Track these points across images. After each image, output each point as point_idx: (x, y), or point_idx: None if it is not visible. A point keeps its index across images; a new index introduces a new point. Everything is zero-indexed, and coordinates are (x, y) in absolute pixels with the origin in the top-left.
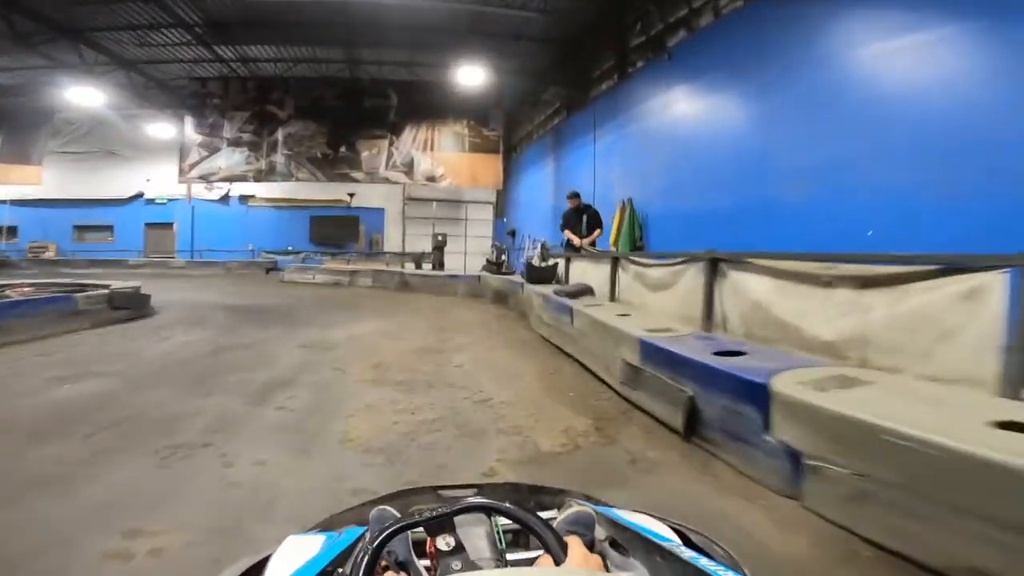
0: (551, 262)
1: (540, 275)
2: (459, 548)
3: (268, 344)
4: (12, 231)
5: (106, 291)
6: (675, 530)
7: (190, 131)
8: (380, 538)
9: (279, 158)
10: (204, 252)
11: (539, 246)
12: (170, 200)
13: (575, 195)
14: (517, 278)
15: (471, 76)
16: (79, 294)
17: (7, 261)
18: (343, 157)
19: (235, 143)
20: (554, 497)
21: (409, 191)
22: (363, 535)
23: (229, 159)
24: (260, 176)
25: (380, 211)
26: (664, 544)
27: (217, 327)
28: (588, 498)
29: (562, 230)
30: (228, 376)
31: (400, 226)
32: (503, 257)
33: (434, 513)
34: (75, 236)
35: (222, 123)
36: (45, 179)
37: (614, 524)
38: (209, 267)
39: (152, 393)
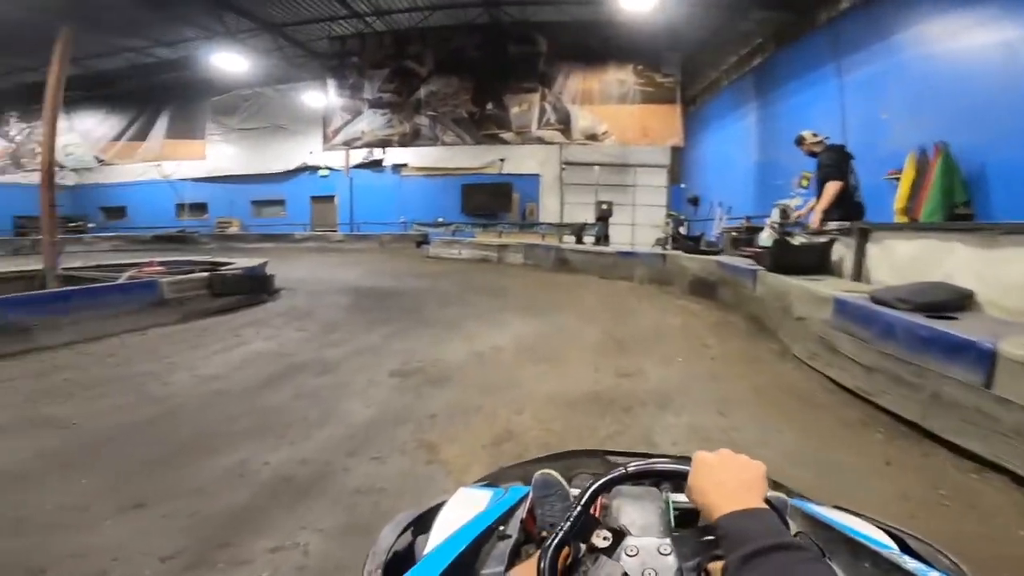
0: (822, 238)
1: (797, 258)
2: (619, 536)
3: (355, 365)
4: (203, 208)
5: (204, 275)
6: (890, 534)
7: (332, 94)
8: (584, 500)
9: (423, 120)
10: (362, 225)
11: (778, 211)
12: (331, 171)
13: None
14: (734, 260)
15: (639, 4)
16: (165, 279)
17: (190, 237)
18: (490, 115)
19: (376, 104)
20: None
21: (566, 153)
22: (526, 496)
23: (371, 122)
24: (405, 140)
25: (534, 177)
26: (878, 550)
27: (319, 325)
28: (778, 485)
29: (826, 182)
30: (227, 453)
31: (557, 194)
32: (680, 229)
33: (599, 483)
34: (253, 211)
35: (362, 83)
36: (226, 156)
37: (811, 519)
38: (364, 240)
39: (55, 485)
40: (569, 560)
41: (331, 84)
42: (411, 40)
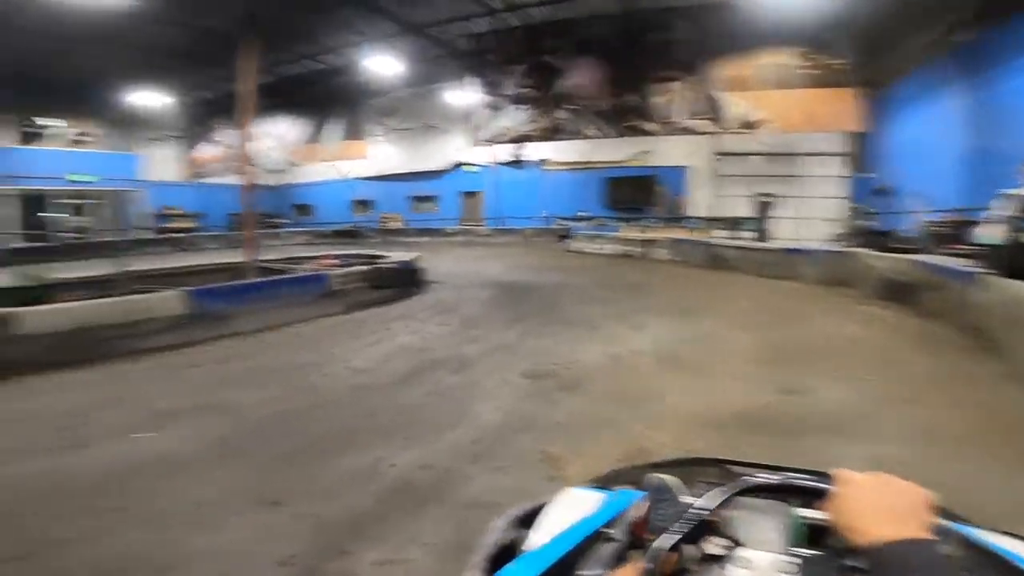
0: None
1: None
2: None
3: (490, 364)
4: (371, 204)
5: (363, 269)
6: None
7: (474, 93)
8: (705, 505)
9: (563, 114)
10: (506, 219)
11: (1013, 202)
12: (478, 168)
13: None
14: (942, 260)
15: None
16: (332, 272)
17: (360, 231)
18: (630, 106)
19: (517, 100)
20: None
21: (718, 144)
22: (638, 501)
23: (514, 118)
24: (546, 135)
25: (681, 169)
26: None
27: (460, 320)
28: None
29: None
30: (361, 451)
31: (708, 186)
32: (866, 223)
33: (729, 493)
34: (412, 207)
35: (501, 80)
36: (388, 155)
37: (970, 545)
38: (509, 235)
39: (204, 474)
40: (676, 566)
41: (473, 82)
42: (544, 34)
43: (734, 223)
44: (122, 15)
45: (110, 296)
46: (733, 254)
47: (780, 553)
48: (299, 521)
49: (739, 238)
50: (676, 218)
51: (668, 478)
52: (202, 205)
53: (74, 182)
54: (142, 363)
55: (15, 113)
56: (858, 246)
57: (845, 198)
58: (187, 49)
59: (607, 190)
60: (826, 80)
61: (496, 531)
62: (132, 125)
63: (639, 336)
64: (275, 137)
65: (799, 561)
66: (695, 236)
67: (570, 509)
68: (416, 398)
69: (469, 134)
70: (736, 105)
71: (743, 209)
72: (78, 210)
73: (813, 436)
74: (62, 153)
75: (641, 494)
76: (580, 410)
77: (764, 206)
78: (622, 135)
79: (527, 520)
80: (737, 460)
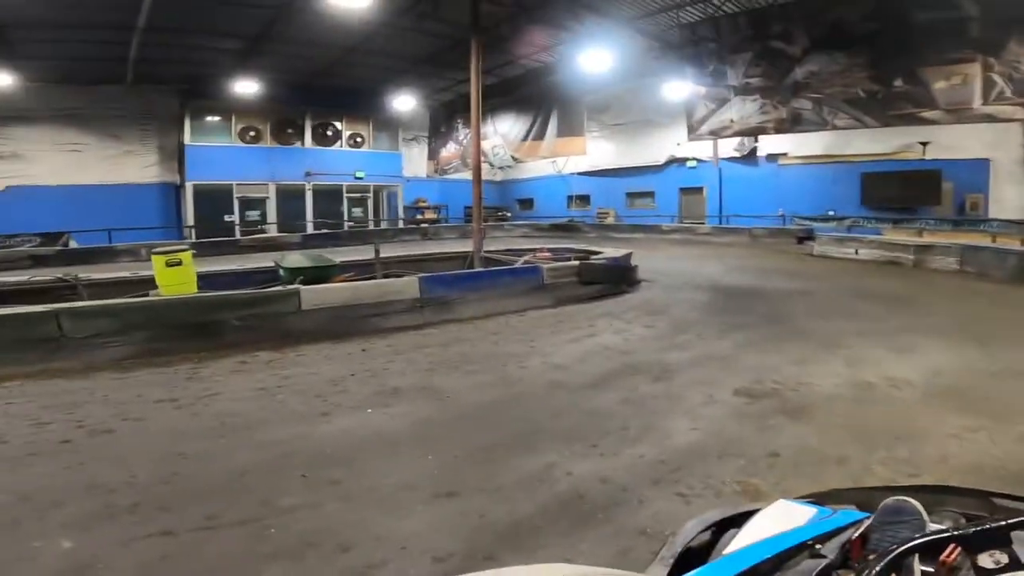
0: None
1: None
2: (1014, 565)
3: (696, 375)
4: (586, 199)
5: (575, 264)
6: None
7: (692, 84)
8: (906, 547)
9: (804, 103)
10: (731, 218)
11: None
12: (699, 162)
13: None
14: None
15: None
16: (545, 265)
17: (576, 226)
18: (900, 93)
19: (743, 91)
20: None
21: None
22: (860, 521)
23: (741, 110)
24: (782, 127)
25: (980, 162)
26: None
27: (669, 323)
28: None
29: None
30: (541, 453)
31: (1020, 183)
32: None
33: (988, 525)
34: (627, 203)
35: (724, 70)
36: (604, 150)
37: None
38: (733, 234)
39: (408, 456)
40: None
41: (689, 74)
42: (771, 18)
43: None
44: (377, 25)
45: (370, 278)
46: None
47: None
48: (465, 518)
49: None
50: (970, 221)
51: (912, 501)
52: (444, 198)
53: (359, 178)
54: (387, 340)
55: (312, 118)
56: None
57: None
58: (429, 55)
59: (865, 187)
60: None
61: (688, 530)
62: (394, 127)
63: (901, 360)
64: (500, 135)
65: None
66: (1000, 244)
67: (778, 521)
68: (606, 404)
69: (688, 128)
70: None
71: None
72: (358, 203)
73: None
74: (346, 153)
75: (863, 515)
76: (803, 440)
77: None
78: (887, 124)
79: (725, 526)
80: (1010, 494)
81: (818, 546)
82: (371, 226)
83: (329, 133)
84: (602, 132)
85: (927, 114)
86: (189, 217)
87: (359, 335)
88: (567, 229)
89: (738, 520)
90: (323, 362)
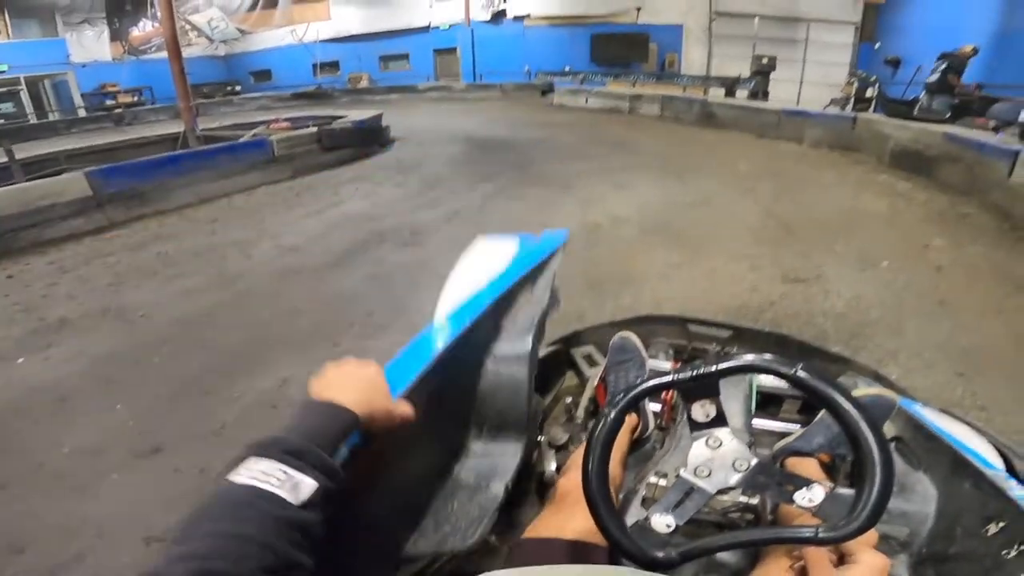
0: None
1: None
2: (719, 419)
3: (445, 235)
4: (336, 65)
5: (313, 131)
6: (1000, 452)
7: None
8: (633, 394)
9: None
10: (484, 75)
11: None
12: (451, 26)
13: None
14: (974, 134)
15: None
16: (273, 138)
17: (325, 92)
18: None
19: None
20: (832, 366)
21: (718, 3)
22: (562, 245)
23: None
24: None
25: (677, 28)
26: (982, 469)
27: (420, 181)
28: (880, 378)
29: None
30: (270, 369)
31: (704, 45)
32: (870, 92)
33: (700, 371)
34: (381, 66)
35: None
36: (352, 16)
37: (915, 424)
38: (486, 90)
39: (86, 412)
40: (637, 433)
41: None
42: None
43: (731, 83)
44: None
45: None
46: (729, 113)
47: (744, 426)
48: (179, 478)
49: (734, 97)
50: (668, 75)
51: (633, 336)
52: (146, 80)
53: None
54: (49, 256)
55: None
56: (858, 110)
57: (850, 66)
58: None
59: (594, 46)
60: None
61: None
62: (47, 11)
63: (623, 199)
64: (218, 6)
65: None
66: (688, 94)
67: (478, 265)
68: (350, 286)
69: None
70: None
71: (740, 70)
72: (4, 98)
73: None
74: None
75: (563, 232)
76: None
77: (763, 67)
78: None
79: None
80: (697, 319)
81: (569, 400)
82: (32, 120)
83: None
84: None
85: None
86: None
87: (3, 257)
88: (315, 97)
89: None
90: None
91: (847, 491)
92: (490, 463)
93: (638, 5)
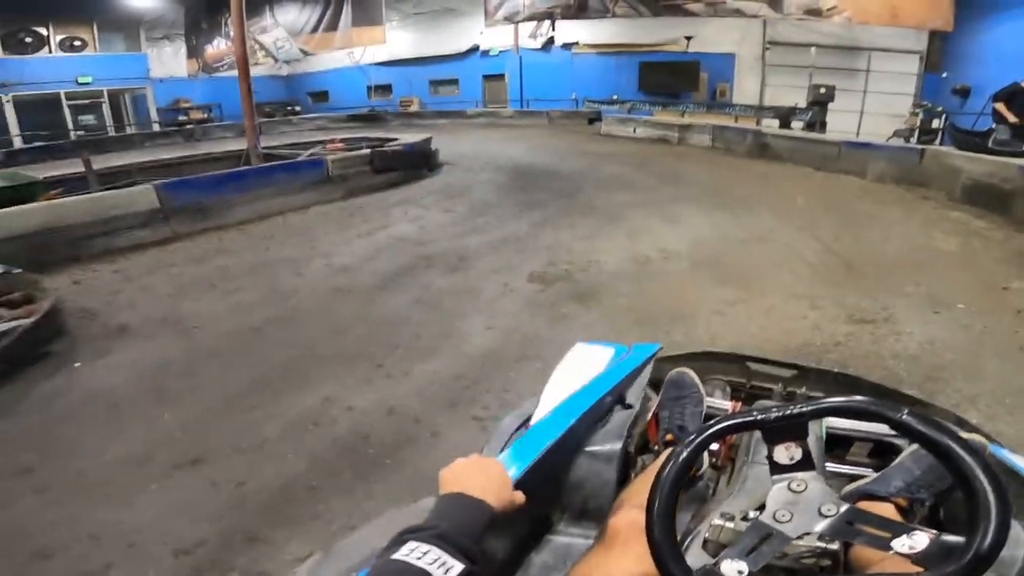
0: None
1: None
2: (804, 462)
3: (492, 262)
4: (388, 89)
5: (366, 152)
6: None
7: None
8: (709, 433)
9: None
10: (531, 102)
11: None
12: (500, 52)
13: None
14: None
15: None
16: (330, 157)
17: (378, 115)
18: None
19: None
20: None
21: (773, 31)
22: (652, 358)
23: None
24: (569, 13)
25: (728, 57)
26: None
27: (468, 206)
28: (962, 422)
29: None
30: (315, 387)
31: (757, 74)
32: (936, 123)
33: (791, 411)
34: (431, 90)
35: None
36: (405, 40)
37: (1002, 467)
38: (533, 117)
39: (136, 419)
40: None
41: None
42: None
43: (786, 113)
44: None
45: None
46: (785, 144)
47: (815, 468)
48: (217, 491)
49: (789, 128)
50: (719, 105)
51: (691, 372)
52: (215, 97)
53: (83, 84)
54: (116, 264)
55: (20, 22)
56: (924, 143)
57: (914, 96)
58: None
59: (642, 75)
60: None
61: (506, 428)
62: (133, 26)
63: (672, 231)
64: (285, 26)
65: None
66: (741, 124)
67: (579, 368)
68: (397, 308)
69: (486, 14)
70: None
71: (795, 100)
72: (87, 110)
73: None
74: (59, 60)
75: (654, 346)
76: (592, 332)
77: (821, 97)
78: (659, 15)
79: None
80: (759, 357)
81: (624, 397)
82: (111, 133)
83: (29, 40)
84: (403, 21)
85: (692, 6)
86: None
87: (74, 263)
88: (368, 119)
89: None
90: None
91: (954, 538)
92: (567, 543)
93: (689, 35)
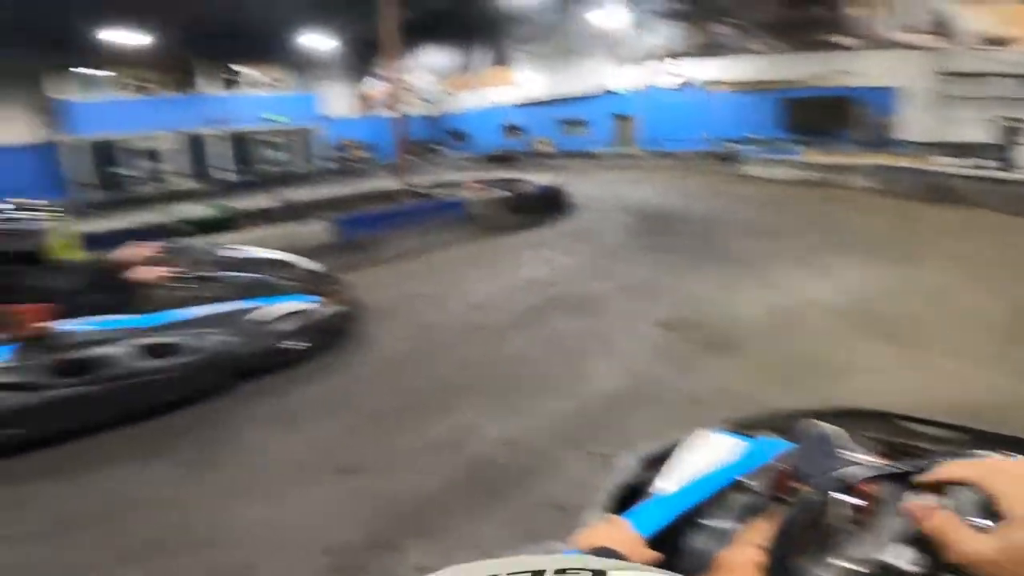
0: None
1: None
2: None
3: (620, 307)
4: (521, 129)
5: (505, 195)
6: None
7: (618, 11)
8: (839, 480)
9: (722, 28)
10: (663, 142)
11: None
12: (629, 91)
13: None
14: None
15: None
16: (471, 197)
17: (512, 155)
18: (814, 19)
19: (666, 15)
20: None
21: (944, 62)
22: (787, 451)
23: (663, 35)
24: (702, 52)
25: (888, 90)
26: None
27: (597, 250)
28: None
29: None
30: (450, 415)
31: (925, 108)
32: None
33: (921, 464)
34: (563, 131)
35: None
36: (536, 81)
37: None
38: (664, 158)
39: (310, 432)
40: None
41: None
42: None
43: (966, 149)
44: None
45: (274, 226)
46: (968, 185)
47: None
48: (359, 500)
49: (973, 166)
50: (882, 143)
51: (829, 427)
52: (373, 136)
53: (270, 122)
54: None
55: (216, 61)
56: None
57: None
58: None
59: (785, 112)
60: None
61: (622, 470)
62: (308, 67)
63: (821, 284)
64: (430, 69)
65: None
66: (907, 163)
67: (705, 453)
68: (526, 347)
69: (615, 55)
70: (973, 20)
71: (972, 135)
72: (275, 147)
73: None
74: (255, 97)
75: (788, 445)
76: (724, 383)
77: (1011, 131)
78: (800, 50)
79: (657, 461)
80: (910, 415)
81: (750, 481)
82: (292, 169)
83: (230, 78)
84: (533, 62)
85: (843, 41)
86: (81, 175)
87: None
88: (502, 159)
89: (669, 454)
90: None
91: None
92: None
93: (840, 68)
